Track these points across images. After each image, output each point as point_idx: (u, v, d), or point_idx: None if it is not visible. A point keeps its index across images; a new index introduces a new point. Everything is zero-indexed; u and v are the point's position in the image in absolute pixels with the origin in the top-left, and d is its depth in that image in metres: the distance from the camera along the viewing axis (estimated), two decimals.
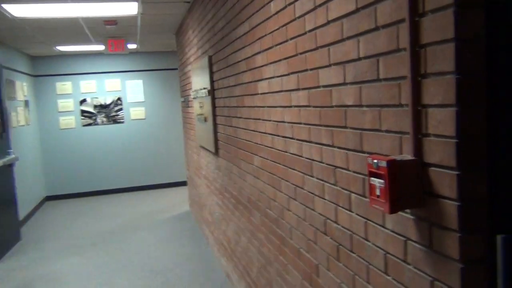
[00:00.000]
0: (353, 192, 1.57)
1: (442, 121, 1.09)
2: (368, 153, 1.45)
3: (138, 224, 6.42)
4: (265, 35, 2.40)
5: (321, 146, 1.81)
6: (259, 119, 2.67)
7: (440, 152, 1.10)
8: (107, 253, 5.22)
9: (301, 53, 1.94)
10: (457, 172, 1.05)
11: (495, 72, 1.04)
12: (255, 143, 2.80)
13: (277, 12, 2.18)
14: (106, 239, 5.76)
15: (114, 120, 8.67)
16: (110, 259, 5.00)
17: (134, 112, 8.76)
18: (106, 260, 5.00)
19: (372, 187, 1.24)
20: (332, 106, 1.69)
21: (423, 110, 1.16)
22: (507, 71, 1.01)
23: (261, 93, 2.57)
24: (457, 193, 1.05)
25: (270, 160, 2.51)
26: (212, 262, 4.68)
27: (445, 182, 1.09)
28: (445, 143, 1.08)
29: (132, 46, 7.73)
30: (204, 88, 4.34)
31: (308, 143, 1.95)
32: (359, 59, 1.46)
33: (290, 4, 2.01)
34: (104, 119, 8.62)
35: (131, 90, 8.74)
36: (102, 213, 7.22)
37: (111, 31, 6.16)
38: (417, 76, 1.16)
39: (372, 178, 1.23)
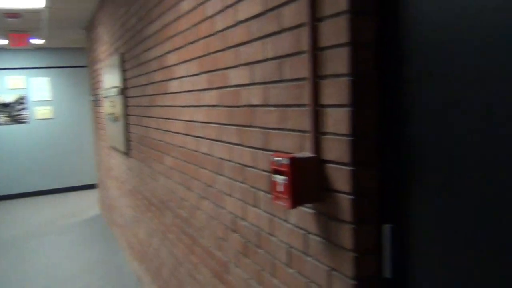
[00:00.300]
0: (260, 190, 1.61)
1: (337, 120, 1.16)
2: (274, 151, 1.50)
3: (44, 230, 6.04)
4: (177, 34, 2.38)
5: (231, 145, 1.84)
6: (170, 118, 2.64)
7: (336, 149, 1.17)
8: (5, 263, 4.85)
9: (211, 53, 1.96)
10: (350, 168, 1.13)
11: (386, 74, 1.13)
12: (167, 142, 2.77)
13: (188, 11, 2.18)
14: (6, 248, 5.36)
15: (16, 120, 8.09)
16: (8, 270, 4.66)
17: (40, 112, 8.24)
18: (3, 271, 4.65)
19: (275, 184, 1.29)
20: (240, 106, 1.73)
21: (321, 110, 1.22)
22: (397, 74, 1.10)
23: (173, 93, 2.55)
24: (351, 187, 1.13)
25: (182, 160, 2.50)
26: (124, 266, 4.54)
27: (341, 177, 1.16)
28: (341, 141, 1.15)
29: (38, 42, 7.27)
30: (116, 87, 4.21)
31: (218, 142, 1.97)
32: (266, 60, 1.51)
33: (201, 3, 2.02)
34: (6, 119, 8.02)
35: (36, 88, 8.21)
36: (3, 220, 6.71)
37: (13, 25, 5.75)
38: (316, 77, 1.23)
39: (275, 175, 1.28)
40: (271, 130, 1.51)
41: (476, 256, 0.92)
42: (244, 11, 1.63)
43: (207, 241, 2.19)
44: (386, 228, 1.12)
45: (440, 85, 0.98)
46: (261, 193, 1.60)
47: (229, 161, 1.86)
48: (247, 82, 1.66)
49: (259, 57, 1.55)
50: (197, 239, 2.35)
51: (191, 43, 2.18)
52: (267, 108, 1.53)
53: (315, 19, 1.22)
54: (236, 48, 1.71)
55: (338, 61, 1.14)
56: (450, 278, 0.98)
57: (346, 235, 1.15)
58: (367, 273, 1.14)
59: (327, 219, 1.23)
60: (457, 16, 0.93)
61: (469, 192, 0.92)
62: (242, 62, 1.68)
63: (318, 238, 1.28)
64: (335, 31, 1.14)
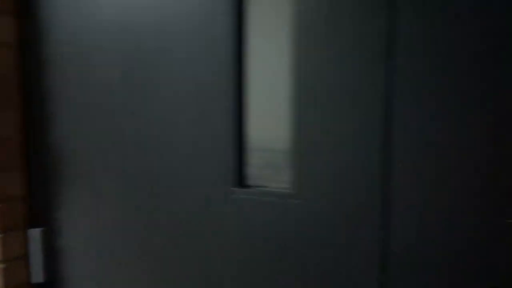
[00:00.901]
0: None
1: None
2: None
3: None
4: None
5: None
6: None
7: None
8: None
9: None
10: None
11: (31, 78, 1.11)
12: None
13: None
14: None
15: None
16: None
17: None
18: None
19: None
20: None
21: None
22: (40, 78, 1.10)
23: None
24: None
25: None
26: None
27: None
28: None
29: None
30: None
31: None
32: None
33: None
34: None
35: None
36: None
37: None
38: None
39: None
40: None
41: (121, 251, 1.01)
42: None
43: None
44: (34, 232, 1.10)
45: (76, 92, 1.04)
46: None
47: None
48: None
49: None
50: None
51: None
52: None
53: None
54: None
55: None
56: (143, 275, 1.05)
57: None
58: (16, 282, 1.09)
59: None
60: (85, 29, 1.01)
61: (109, 192, 1.01)
62: None
63: None
64: None
